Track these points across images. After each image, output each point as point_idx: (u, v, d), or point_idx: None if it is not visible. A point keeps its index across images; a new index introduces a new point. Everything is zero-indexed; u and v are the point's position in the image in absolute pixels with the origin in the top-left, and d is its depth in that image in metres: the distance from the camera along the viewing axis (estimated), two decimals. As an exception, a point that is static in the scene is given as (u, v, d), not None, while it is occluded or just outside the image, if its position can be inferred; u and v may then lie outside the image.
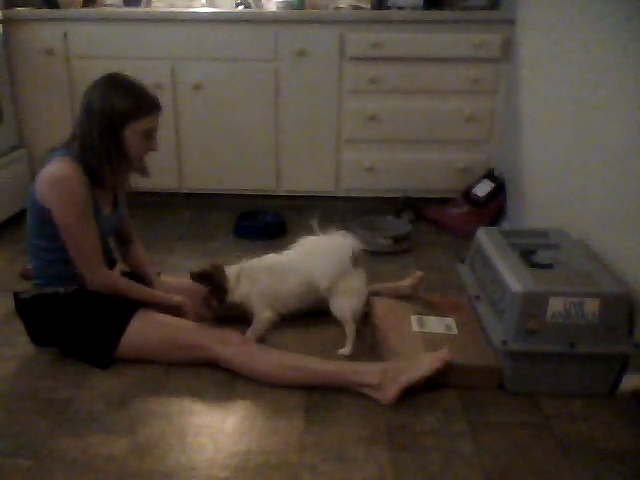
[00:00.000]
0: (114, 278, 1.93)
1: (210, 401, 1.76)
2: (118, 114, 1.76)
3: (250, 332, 1.99)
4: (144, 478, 1.47)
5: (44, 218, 1.79)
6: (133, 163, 1.87)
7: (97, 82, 1.80)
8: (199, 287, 1.99)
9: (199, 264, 2.61)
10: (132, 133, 1.79)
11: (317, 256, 2.03)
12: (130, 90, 1.79)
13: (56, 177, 1.75)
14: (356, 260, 1.99)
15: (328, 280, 1.97)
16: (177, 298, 1.98)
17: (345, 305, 1.98)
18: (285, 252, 2.11)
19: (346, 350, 1.94)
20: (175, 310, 1.96)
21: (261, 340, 1.98)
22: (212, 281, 1.97)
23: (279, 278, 2.03)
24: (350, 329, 1.97)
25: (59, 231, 1.79)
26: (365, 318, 2.09)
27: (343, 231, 2.02)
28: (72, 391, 1.78)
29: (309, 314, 2.16)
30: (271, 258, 2.10)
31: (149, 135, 1.84)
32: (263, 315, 2.00)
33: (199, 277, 1.96)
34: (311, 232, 2.05)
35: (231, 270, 2.02)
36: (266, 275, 2.03)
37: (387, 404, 1.72)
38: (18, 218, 3.04)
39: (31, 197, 1.81)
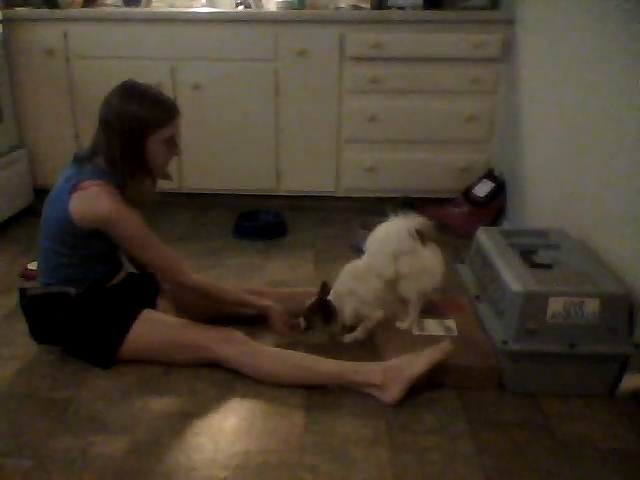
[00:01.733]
0: (204, 281, 1.93)
1: (210, 401, 1.76)
2: (138, 127, 1.74)
3: (362, 331, 2.02)
4: (144, 478, 1.47)
5: (70, 232, 1.78)
6: (155, 174, 1.87)
7: (112, 95, 1.76)
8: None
9: (202, 266, 2.61)
10: (154, 143, 1.78)
11: (372, 249, 1.99)
12: (147, 100, 1.75)
13: (113, 216, 1.74)
14: (422, 237, 1.93)
15: (386, 270, 1.94)
16: (266, 302, 2.00)
17: (410, 287, 1.96)
18: (364, 254, 2.05)
19: (404, 324, 1.98)
20: (262, 314, 2.00)
21: (261, 340, 1.98)
22: (328, 314, 1.96)
23: (366, 283, 1.97)
24: (413, 308, 1.97)
25: (135, 253, 1.91)
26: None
27: (404, 214, 1.95)
28: (72, 391, 1.78)
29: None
30: (356, 265, 2.03)
31: (171, 141, 1.83)
32: (375, 315, 2.00)
33: (323, 303, 1.96)
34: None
35: (332, 298, 1.98)
36: (358, 284, 1.97)
37: (391, 403, 1.72)
38: (18, 218, 3.04)
39: (60, 210, 1.77)
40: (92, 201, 1.74)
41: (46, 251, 1.87)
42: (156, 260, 1.86)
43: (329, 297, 1.98)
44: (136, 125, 1.74)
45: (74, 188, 1.75)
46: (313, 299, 1.98)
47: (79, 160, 1.83)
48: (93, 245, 1.83)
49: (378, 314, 2.01)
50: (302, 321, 1.98)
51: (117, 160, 1.76)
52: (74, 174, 1.79)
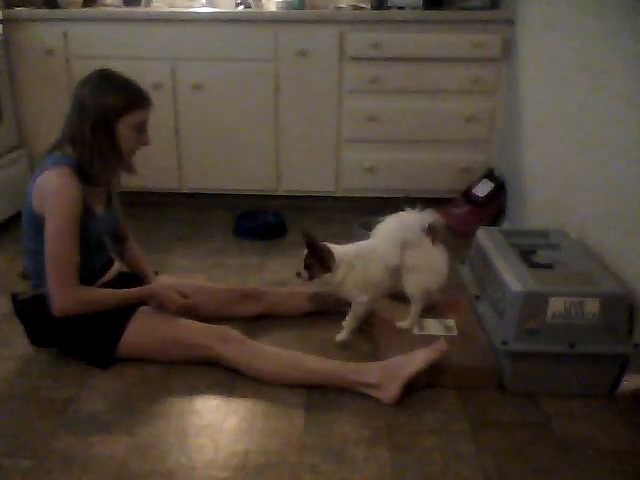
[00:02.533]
0: (85, 291, 1.82)
1: (210, 401, 1.76)
2: (111, 108, 1.77)
3: (350, 318, 2.00)
4: (144, 478, 1.47)
5: (37, 223, 1.79)
6: (124, 157, 1.86)
7: (87, 78, 1.81)
8: (198, 287, 1.98)
9: (202, 266, 2.61)
10: (125, 126, 1.80)
11: (382, 235, 1.99)
12: (122, 85, 1.81)
13: (54, 190, 1.74)
14: (434, 236, 1.93)
15: (392, 256, 1.92)
16: (150, 286, 1.96)
17: (414, 282, 1.95)
18: (371, 238, 2.05)
19: (404, 323, 1.97)
20: (153, 299, 1.92)
21: (259, 340, 1.98)
22: (319, 254, 1.94)
23: (368, 265, 1.97)
24: (415, 306, 1.96)
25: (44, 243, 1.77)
26: (365, 318, 2.09)
27: (419, 208, 1.96)
28: (72, 391, 1.78)
29: (310, 314, 2.16)
30: (360, 245, 2.04)
31: (141, 128, 1.85)
32: (361, 299, 1.98)
33: (310, 242, 1.94)
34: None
35: (337, 252, 1.96)
36: (358, 261, 1.98)
37: (389, 402, 1.72)
38: (18, 218, 3.02)
39: (27, 202, 1.81)
40: (43, 182, 1.76)
41: (29, 252, 1.87)
42: (55, 254, 1.75)
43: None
44: (110, 106, 1.77)
45: (35, 179, 1.78)
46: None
47: (48, 151, 1.85)
48: None
49: (364, 298, 1.97)
50: (304, 272, 1.96)
51: (87, 139, 1.77)
52: (37, 167, 1.82)
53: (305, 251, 1.96)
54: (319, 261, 1.95)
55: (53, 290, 1.77)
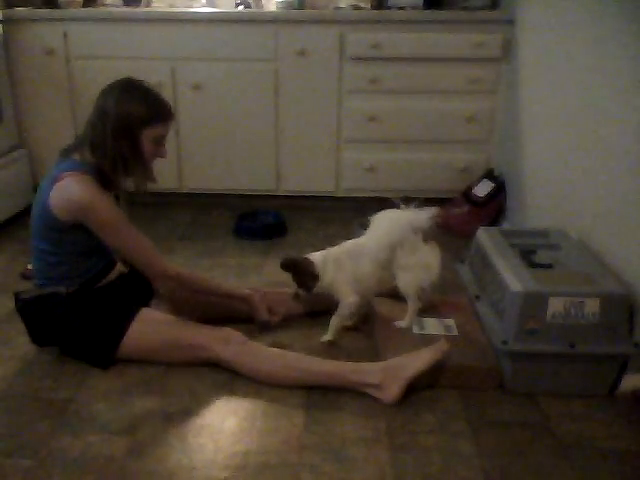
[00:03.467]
0: (181, 271, 1.95)
1: (210, 401, 1.76)
2: (135, 118, 1.77)
3: (335, 318, 2.00)
4: (144, 478, 1.47)
5: (53, 226, 1.79)
6: (145, 166, 1.88)
7: (112, 86, 1.81)
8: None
9: (202, 266, 2.61)
10: (145, 138, 1.81)
11: (372, 232, 2.00)
12: (147, 96, 1.81)
13: (85, 202, 1.74)
14: (425, 234, 1.94)
15: (381, 252, 1.94)
16: (245, 290, 2.03)
17: (409, 280, 1.96)
18: (361, 236, 2.06)
19: (403, 323, 1.97)
20: (244, 303, 2.03)
21: (260, 340, 1.98)
22: (301, 269, 1.96)
23: (358, 262, 1.98)
24: (412, 305, 1.96)
25: (113, 248, 1.88)
26: (365, 318, 2.09)
27: (413, 206, 1.97)
28: (72, 391, 1.78)
29: (310, 314, 2.16)
30: (350, 243, 2.04)
31: (159, 142, 1.86)
32: (348, 300, 1.97)
33: (288, 266, 1.97)
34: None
35: (316, 257, 1.98)
36: (348, 260, 1.99)
37: (390, 403, 1.72)
38: (18, 218, 3.04)
39: (41, 204, 1.79)
40: (67, 190, 1.75)
41: (36, 251, 1.87)
42: (132, 249, 1.85)
43: (313, 258, 1.97)
44: (133, 117, 1.77)
45: (53, 181, 1.77)
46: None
47: (62, 154, 1.85)
48: (78, 240, 1.83)
49: (351, 299, 1.97)
50: (300, 291, 1.98)
51: (109, 145, 1.77)
52: (53, 169, 1.82)
53: (290, 274, 1.99)
54: (304, 274, 1.96)
55: (149, 270, 1.89)
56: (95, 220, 1.78)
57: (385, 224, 1.97)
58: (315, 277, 1.95)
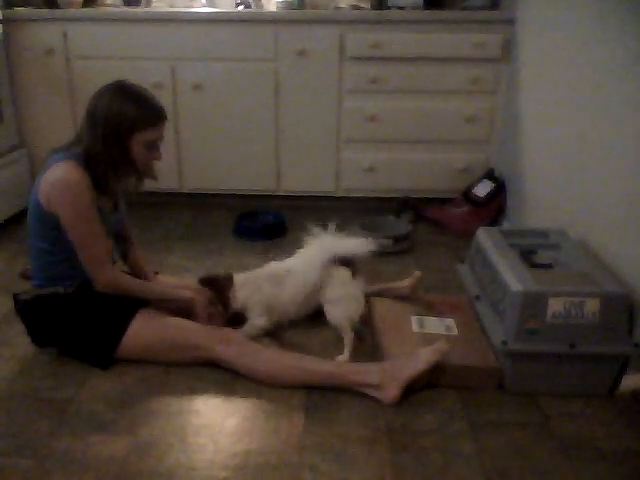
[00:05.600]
0: (122, 277, 1.92)
1: (210, 401, 1.76)
2: (124, 124, 1.76)
3: (247, 327, 2.02)
4: (144, 478, 1.47)
5: (46, 221, 1.79)
6: (138, 170, 1.87)
7: (104, 89, 1.80)
8: (201, 288, 2.01)
9: (202, 266, 2.61)
10: (136, 143, 1.80)
11: (300, 257, 2.07)
12: (137, 100, 1.79)
13: (62, 181, 1.74)
14: (353, 269, 2.00)
15: (310, 275, 1.98)
16: (187, 293, 1.97)
17: (338, 313, 1.98)
18: (287, 259, 2.13)
19: (344, 357, 1.92)
20: (185, 306, 1.96)
21: (259, 341, 1.98)
22: (217, 287, 2.01)
23: (278, 285, 2.04)
24: (347, 336, 1.95)
25: (66, 233, 1.79)
26: (365, 318, 2.09)
27: (333, 234, 2.04)
28: (72, 391, 1.78)
29: (310, 314, 2.16)
30: (272, 266, 2.12)
31: (153, 145, 1.84)
32: (256, 322, 2.02)
33: (206, 282, 2.02)
34: (310, 234, 2.07)
35: (239, 277, 2.05)
36: (267, 283, 2.04)
37: (389, 403, 1.72)
38: (18, 218, 3.04)
39: (33, 200, 1.81)
40: (51, 174, 1.76)
41: (34, 250, 1.87)
42: (82, 241, 1.80)
43: (236, 277, 2.04)
44: (122, 122, 1.76)
45: (40, 178, 1.78)
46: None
47: (55, 149, 1.85)
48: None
49: (259, 323, 2.01)
50: (218, 307, 2.04)
51: (99, 151, 1.77)
52: (47, 164, 1.82)
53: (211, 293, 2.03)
54: (220, 291, 2.01)
55: (90, 271, 1.84)
56: (60, 203, 1.75)
57: (315, 250, 2.02)
58: (227, 297, 2.01)
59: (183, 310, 1.97)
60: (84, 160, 1.78)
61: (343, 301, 1.98)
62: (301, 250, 2.09)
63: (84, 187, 1.76)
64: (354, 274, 2.01)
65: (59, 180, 1.75)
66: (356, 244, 2.00)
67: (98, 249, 1.83)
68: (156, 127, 1.82)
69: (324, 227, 2.06)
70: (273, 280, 2.05)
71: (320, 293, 2.01)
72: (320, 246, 2.02)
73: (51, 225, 1.79)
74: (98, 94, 1.80)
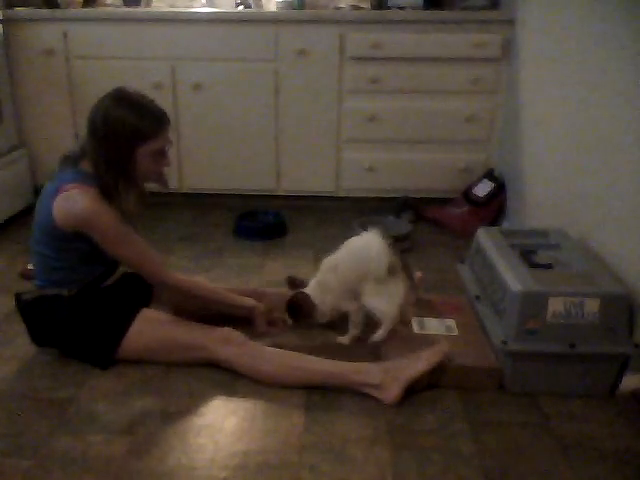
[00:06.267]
0: (189, 282, 1.95)
1: (210, 401, 1.76)
2: (125, 139, 1.73)
3: (352, 327, 2.00)
4: (144, 478, 1.47)
5: (55, 235, 1.78)
6: (146, 181, 1.87)
7: (102, 101, 1.75)
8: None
9: (202, 266, 2.61)
10: (142, 156, 1.77)
11: (344, 255, 2.00)
12: (136, 110, 1.73)
13: (88, 215, 1.72)
14: (391, 269, 1.91)
15: (347, 281, 1.95)
16: (250, 301, 2.02)
17: (377, 304, 1.93)
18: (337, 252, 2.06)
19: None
20: (246, 314, 2.02)
21: (260, 340, 1.98)
22: (302, 311, 2.00)
23: (337, 275, 1.99)
24: (385, 325, 1.93)
25: (116, 259, 1.87)
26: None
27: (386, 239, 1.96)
28: (72, 391, 1.78)
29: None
30: (327, 260, 2.04)
31: (159, 155, 1.82)
32: (353, 306, 1.98)
33: (291, 311, 2.02)
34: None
35: (312, 291, 2.00)
36: (330, 275, 1.99)
37: (390, 403, 1.72)
38: (18, 218, 3.04)
39: (45, 214, 1.77)
40: (71, 203, 1.73)
41: (37, 255, 1.87)
42: (134, 258, 1.84)
43: (308, 290, 2.00)
44: (123, 136, 1.72)
45: (56, 191, 1.75)
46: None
47: (65, 162, 1.83)
48: (80, 248, 1.81)
49: (355, 305, 1.97)
50: (288, 319, 2.03)
51: (102, 168, 1.76)
52: (57, 177, 1.79)
53: (289, 297, 2.02)
54: (301, 310, 2.01)
55: (156, 283, 1.93)
56: (98, 233, 1.76)
57: (356, 252, 1.97)
58: (311, 307, 1.99)
59: (184, 311, 1.97)
60: (96, 181, 1.77)
61: (381, 294, 1.93)
62: (349, 241, 2.02)
63: (108, 213, 1.75)
64: (393, 274, 1.92)
65: (84, 213, 1.72)
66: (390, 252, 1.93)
67: (152, 260, 1.86)
68: (159, 136, 1.78)
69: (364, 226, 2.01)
70: (332, 271, 1.99)
71: (362, 282, 1.95)
72: (363, 252, 1.96)
73: (60, 237, 1.78)
74: (97, 106, 1.75)
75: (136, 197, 1.84)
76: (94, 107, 1.76)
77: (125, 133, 1.72)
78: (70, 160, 1.83)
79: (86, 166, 1.80)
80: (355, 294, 1.97)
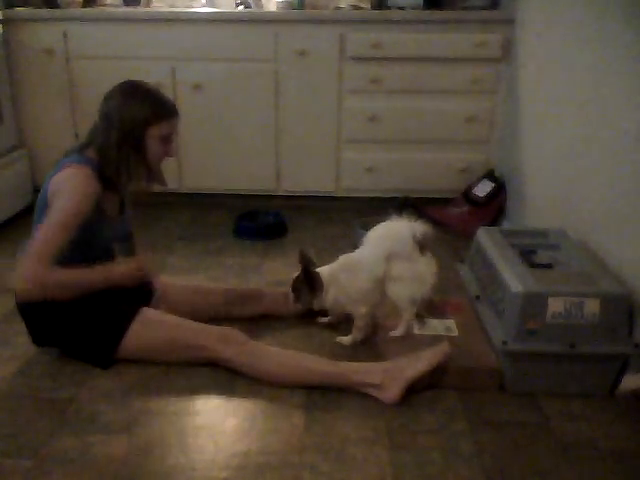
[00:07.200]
0: (53, 274, 1.73)
1: (210, 401, 1.76)
2: (138, 120, 1.79)
3: (355, 331, 1.99)
4: (144, 478, 1.47)
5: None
6: (151, 169, 1.88)
7: (113, 90, 1.82)
8: (199, 287, 2.00)
9: (202, 266, 2.61)
10: (151, 138, 1.82)
11: (369, 245, 1.97)
12: (148, 96, 1.82)
13: (70, 178, 1.75)
14: (422, 246, 1.89)
15: (377, 268, 1.91)
16: (127, 264, 1.87)
17: (399, 292, 1.92)
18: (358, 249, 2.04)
19: (397, 332, 1.95)
20: (136, 275, 1.88)
21: (260, 340, 1.98)
22: (313, 284, 1.98)
23: (354, 276, 1.96)
24: (406, 315, 1.93)
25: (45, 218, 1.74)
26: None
27: (408, 216, 1.92)
28: (72, 391, 1.78)
29: (310, 314, 2.16)
30: (345, 257, 2.03)
31: (167, 140, 1.87)
32: (360, 311, 1.97)
33: (300, 283, 1.99)
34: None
35: (324, 275, 1.98)
36: (344, 274, 1.97)
37: (391, 403, 1.72)
38: (18, 218, 3.04)
39: (40, 202, 1.81)
40: (62, 180, 1.76)
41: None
42: (37, 240, 1.72)
43: (319, 271, 1.99)
44: (136, 118, 1.78)
45: (56, 173, 1.78)
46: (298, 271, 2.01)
47: (70, 151, 1.86)
48: (76, 240, 1.77)
49: (362, 310, 1.96)
50: (291, 295, 2.01)
51: (113, 152, 1.78)
52: (60, 162, 1.82)
53: (295, 274, 2.00)
54: (308, 287, 1.98)
55: (25, 262, 1.72)
56: (59, 198, 1.74)
57: (383, 236, 1.94)
58: (320, 285, 1.96)
59: (185, 311, 1.97)
60: (97, 165, 1.80)
61: (405, 280, 1.90)
62: (369, 236, 1.99)
63: (86, 196, 1.75)
64: (423, 251, 1.90)
65: (68, 183, 1.75)
66: (420, 226, 1.90)
67: (50, 244, 1.72)
68: (169, 121, 1.85)
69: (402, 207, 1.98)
70: (348, 271, 1.97)
71: (391, 264, 1.92)
72: (386, 234, 1.94)
73: None
74: (108, 95, 1.82)
75: (146, 174, 1.88)
76: (106, 96, 1.83)
77: (140, 114, 1.78)
78: (75, 149, 1.86)
79: (91, 154, 1.83)
80: (372, 296, 1.95)
